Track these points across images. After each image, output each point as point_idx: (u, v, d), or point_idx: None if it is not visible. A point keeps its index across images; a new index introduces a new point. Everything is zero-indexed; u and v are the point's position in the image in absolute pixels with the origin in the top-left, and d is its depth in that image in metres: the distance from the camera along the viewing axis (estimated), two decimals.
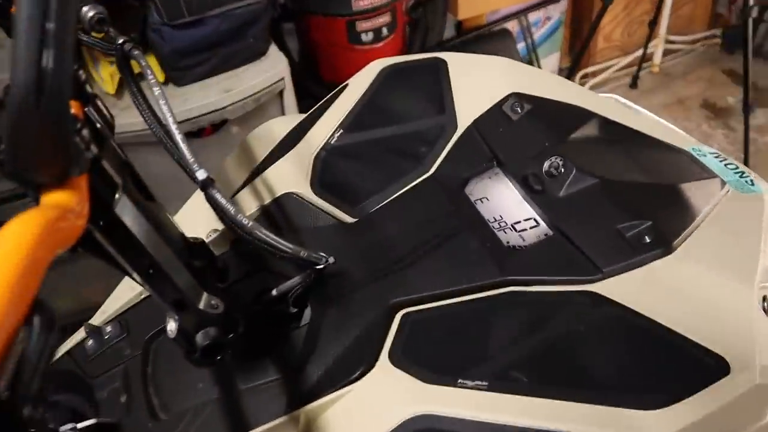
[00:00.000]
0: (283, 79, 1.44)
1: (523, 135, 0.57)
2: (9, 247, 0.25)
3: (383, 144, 0.61)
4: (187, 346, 0.43)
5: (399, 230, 0.52)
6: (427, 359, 0.43)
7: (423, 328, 0.45)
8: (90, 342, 0.55)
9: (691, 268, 0.46)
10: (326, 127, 0.63)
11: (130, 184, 0.38)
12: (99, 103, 0.38)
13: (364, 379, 0.43)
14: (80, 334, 0.57)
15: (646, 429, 0.38)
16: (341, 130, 0.62)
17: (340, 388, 0.43)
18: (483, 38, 2.28)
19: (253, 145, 0.67)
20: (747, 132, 1.95)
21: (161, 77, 1.38)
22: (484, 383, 0.41)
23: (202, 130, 1.44)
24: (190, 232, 0.46)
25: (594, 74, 2.59)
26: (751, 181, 0.58)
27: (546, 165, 0.53)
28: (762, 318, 0.45)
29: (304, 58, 1.86)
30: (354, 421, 0.42)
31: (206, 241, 0.49)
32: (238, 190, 0.62)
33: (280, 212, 0.57)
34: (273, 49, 1.45)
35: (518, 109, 0.59)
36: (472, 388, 0.40)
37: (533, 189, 0.53)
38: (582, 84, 2.53)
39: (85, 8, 0.40)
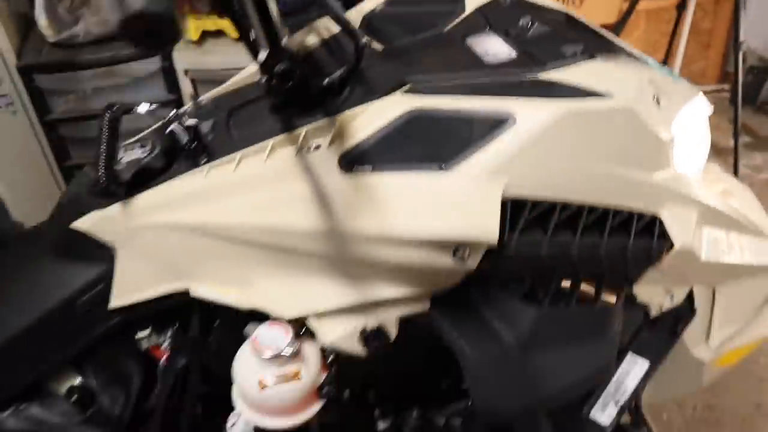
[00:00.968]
0: None
1: (510, 12, 0.82)
2: None
3: (413, 14, 0.86)
4: (268, 72, 0.66)
5: (416, 48, 0.77)
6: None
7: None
8: None
9: (601, 64, 0.69)
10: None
11: None
12: None
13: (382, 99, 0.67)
14: None
15: None
16: (384, 5, 0.88)
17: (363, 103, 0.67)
18: None
19: None
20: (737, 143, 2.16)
21: None
22: None
23: None
24: None
25: None
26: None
27: (521, 22, 0.78)
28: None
29: None
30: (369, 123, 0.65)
31: None
32: None
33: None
34: None
35: (508, 1, 0.85)
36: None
37: (509, 34, 0.77)
38: None
39: None
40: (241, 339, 0.73)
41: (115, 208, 0.74)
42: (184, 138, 0.74)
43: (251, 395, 0.68)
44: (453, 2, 0.88)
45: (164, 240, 0.72)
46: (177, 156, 0.76)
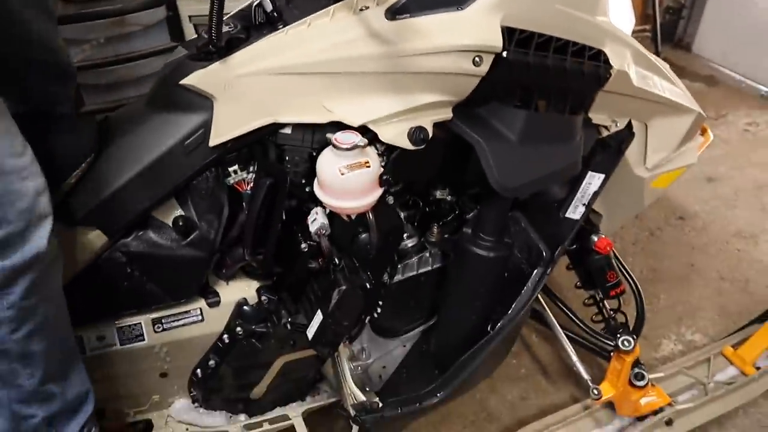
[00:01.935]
0: None
1: None
2: None
3: None
4: None
5: None
6: None
7: None
8: None
9: None
10: None
11: None
12: None
13: None
14: None
15: None
16: None
17: None
18: None
19: None
20: None
21: None
22: None
23: None
24: None
25: None
26: None
27: None
28: None
29: None
30: None
31: None
32: None
33: None
34: None
35: None
36: None
37: None
38: None
39: None
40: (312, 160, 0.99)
41: (215, 65, 0.98)
42: (261, 14, 1.00)
43: (332, 183, 0.94)
44: None
45: (255, 85, 0.97)
46: (251, 31, 1.01)
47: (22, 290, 0.84)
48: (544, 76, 0.98)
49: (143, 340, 1.11)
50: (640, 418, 1.43)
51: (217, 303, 1.13)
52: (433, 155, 1.04)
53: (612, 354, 1.34)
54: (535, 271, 1.15)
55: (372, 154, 0.96)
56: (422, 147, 0.97)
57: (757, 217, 2.21)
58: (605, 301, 1.37)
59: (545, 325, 1.48)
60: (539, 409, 1.59)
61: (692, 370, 1.56)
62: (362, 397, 1.13)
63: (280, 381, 1.25)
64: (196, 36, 1.03)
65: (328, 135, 0.95)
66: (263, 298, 1.11)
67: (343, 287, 1.02)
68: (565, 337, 1.41)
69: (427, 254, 1.23)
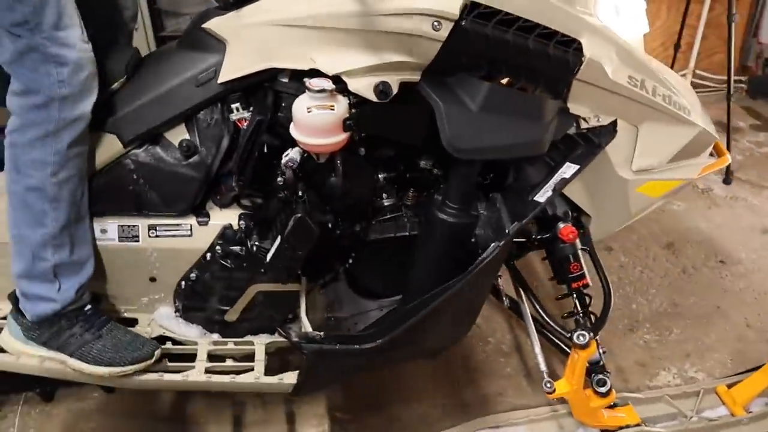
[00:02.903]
0: None
1: None
2: None
3: None
4: None
5: None
6: None
7: None
8: None
9: None
10: None
11: None
12: None
13: None
14: None
15: None
16: None
17: None
18: None
19: None
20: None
21: None
22: None
23: None
24: None
25: None
26: None
27: None
28: None
29: None
30: None
31: None
32: None
33: None
34: None
35: None
36: None
37: None
38: None
39: None
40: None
41: (230, 14, 1.16)
42: None
43: (301, 119, 1.07)
44: None
45: (258, 33, 1.13)
46: None
47: (68, 141, 1.09)
48: (505, 51, 1.05)
49: (138, 241, 1.28)
50: None
51: (206, 222, 1.29)
52: (402, 114, 1.14)
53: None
54: (492, 245, 1.20)
55: (340, 100, 1.08)
56: (385, 101, 1.07)
57: None
58: (575, 296, 1.36)
59: (520, 316, 1.49)
60: (511, 407, 1.59)
61: (677, 401, 1.49)
62: (310, 329, 1.24)
63: (252, 309, 1.37)
64: None
65: (305, 79, 1.08)
66: (240, 222, 1.26)
67: (299, 215, 1.13)
68: (534, 329, 1.42)
69: (405, 219, 1.32)
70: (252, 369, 1.30)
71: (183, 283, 1.34)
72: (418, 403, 1.60)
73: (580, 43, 1.09)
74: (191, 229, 1.29)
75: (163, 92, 1.21)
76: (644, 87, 1.21)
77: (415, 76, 1.09)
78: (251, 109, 1.21)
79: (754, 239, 2.18)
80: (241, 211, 1.29)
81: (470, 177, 1.20)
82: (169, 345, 1.34)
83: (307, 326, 1.26)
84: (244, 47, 1.15)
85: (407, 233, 1.31)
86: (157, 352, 1.24)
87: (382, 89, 1.06)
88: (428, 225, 1.25)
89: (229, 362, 1.33)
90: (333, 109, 1.07)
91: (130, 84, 1.25)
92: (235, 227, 1.28)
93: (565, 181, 1.21)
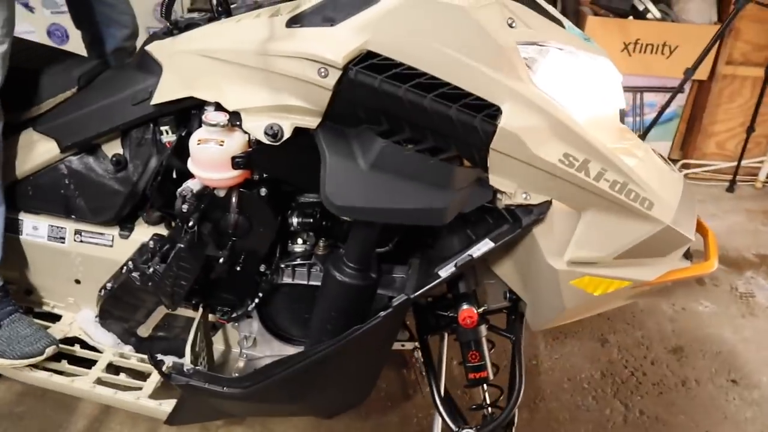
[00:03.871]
0: None
1: None
2: None
3: None
4: None
5: None
6: None
7: None
8: None
9: None
10: None
11: None
12: None
13: None
14: None
15: None
16: None
17: None
18: None
19: None
20: None
21: None
22: None
23: None
24: None
25: (696, 166, 2.86)
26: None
27: None
28: None
29: None
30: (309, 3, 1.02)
31: None
32: None
33: None
34: None
35: None
36: None
37: None
38: (681, 171, 2.83)
39: None
40: None
41: (167, 40, 1.18)
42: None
43: (192, 150, 1.06)
44: None
45: (185, 61, 1.14)
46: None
47: None
48: (399, 108, 0.97)
49: (64, 242, 1.33)
50: None
51: (127, 236, 1.32)
52: (298, 159, 1.09)
53: None
54: (381, 312, 1.10)
55: (234, 137, 1.06)
56: (275, 143, 1.03)
57: None
58: (485, 387, 1.21)
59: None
60: None
61: None
62: (185, 362, 1.20)
63: (162, 331, 1.37)
64: None
65: (206, 109, 1.07)
66: (150, 242, 1.26)
67: (181, 245, 1.12)
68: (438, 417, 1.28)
69: (312, 268, 1.26)
70: (141, 388, 1.29)
71: (102, 290, 1.36)
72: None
73: (496, 109, 0.98)
74: (113, 240, 1.32)
75: (103, 105, 1.25)
76: (585, 169, 1.06)
77: (311, 123, 1.04)
78: (182, 133, 1.23)
79: None
80: (155, 232, 1.29)
81: (369, 238, 1.12)
82: (76, 347, 1.36)
83: (186, 358, 1.23)
84: (174, 73, 1.17)
85: (310, 283, 1.25)
86: (49, 350, 1.27)
87: (273, 131, 1.03)
88: (324, 279, 1.18)
89: (122, 376, 1.33)
90: (222, 145, 1.05)
91: (78, 94, 1.31)
92: (151, 246, 1.29)
93: (471, 259, 1.09)
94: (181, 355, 1.41)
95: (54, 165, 1.30)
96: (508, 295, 1.32)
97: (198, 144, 1.05)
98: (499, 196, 1.09)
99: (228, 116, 1.05)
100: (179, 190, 1.12)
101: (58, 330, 1.38)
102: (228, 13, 1.16)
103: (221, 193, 1.14)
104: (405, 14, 0.95)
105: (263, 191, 1.16)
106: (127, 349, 1.40)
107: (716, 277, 2.22)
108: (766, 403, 1.71)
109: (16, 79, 1.24)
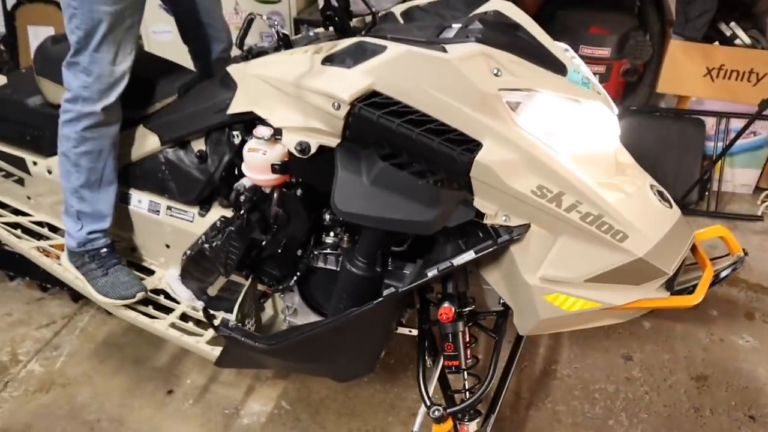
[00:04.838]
0: None
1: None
2: None
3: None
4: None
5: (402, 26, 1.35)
6: None
7: None
8: None
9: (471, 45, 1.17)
10: None
11: None
12: None
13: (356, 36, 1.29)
14: None
15: None
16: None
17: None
18: (676, 116, 2.72)
19: None
20: None
21: None
22: None
23: None
24: None
25: None
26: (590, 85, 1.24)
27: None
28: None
29: None
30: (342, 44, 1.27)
31: None
32: None
33: None
34: None
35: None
36: None
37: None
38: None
39: None
40: None
41: (241, 64, 1.50)
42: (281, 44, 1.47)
43: (245, 156, 1.38)
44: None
45: (252, 83, 1.45)
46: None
47: (83, 127, 1.55)
48: (393, 138, 1.20)
49: (159, 214, 1.72)
50: None
51: (204, 215, 1.67)
52: (323, 170, 1.36)
53: None
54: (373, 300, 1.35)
55: (276, 148, 1.36)
56: (304, 157, 1.31)
57: None
58: (465, 374, 1.42)
59: None
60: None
61: None
62: (231, 318, 1.53)
63: (225, 293, 1.72)
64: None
65: (257, 124, 1.38)
66: (217, 222, 1.61)
67: (231, 228, 1.44)
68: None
69: (335, 257, 1.53)
70: (201, 335, 1.66)
71: (184, 255, 1.74)
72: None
73: (477, 144, 1.18)
74: (194, 217, 1.69)
75: (194, 111, 1.61)
76: (557, 201, 1.22)
77: (332, 143, 1.30)
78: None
79: None
80: (223, 214, 1.64)
81: (375, 239, 1.37)
82: (161, 297, 1.76)
83: (233, 316, 1.56)
84: (244, 91, 1.49)
85: (334, 268, 1.52)
86: (139, 295, 1.66)
87: (302, 147, 1.30)
88: (340, 268, 1.44)
89: (190, 324, 1.70)
90: (264, 154, 1.35)
91: (178, 101, 1.68)
92: (218, 225, 1.64)
93: (451, 266, 1.30)
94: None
95: (155, 154, 1.68)
96: (501, 300, 1.50)
97: (248, 151, 1.36)
98: (486, 215, 1.29)
99: (272, 131, 1.35)
100: (235, 185, 1.45)
101: (150, 282, 1.78)
102: (288, 46, 1.45)
103: (266, 191, 1.44)
104: (403, 63, 1.17)
105: (299, 192, 1.45)
106: (199, 304, 1.77)
107: None
108: None
109: (133, 87, 1.63)
